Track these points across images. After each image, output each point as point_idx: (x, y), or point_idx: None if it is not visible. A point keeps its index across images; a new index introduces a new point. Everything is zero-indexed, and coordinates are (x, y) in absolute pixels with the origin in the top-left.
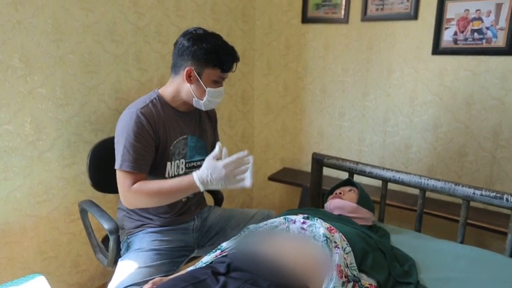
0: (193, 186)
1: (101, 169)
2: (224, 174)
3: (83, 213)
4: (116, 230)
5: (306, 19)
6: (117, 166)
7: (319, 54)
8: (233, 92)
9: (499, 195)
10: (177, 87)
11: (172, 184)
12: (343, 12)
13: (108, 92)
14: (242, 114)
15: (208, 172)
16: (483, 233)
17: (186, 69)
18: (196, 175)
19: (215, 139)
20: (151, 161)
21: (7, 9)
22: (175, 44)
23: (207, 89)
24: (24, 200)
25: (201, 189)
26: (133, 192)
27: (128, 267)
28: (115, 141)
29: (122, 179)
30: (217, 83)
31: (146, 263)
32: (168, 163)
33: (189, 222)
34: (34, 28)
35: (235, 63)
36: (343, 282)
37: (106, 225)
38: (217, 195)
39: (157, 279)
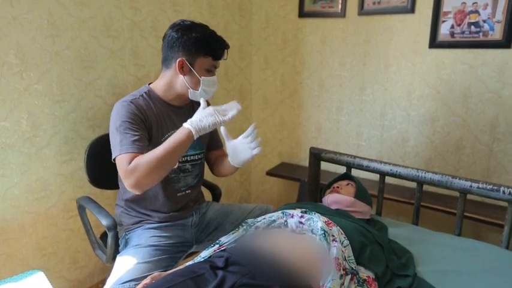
0: (187, 134)
1: (99, 165)
2: (212, 109)
3: (81, 209)
4: (114, 226)
5: (302, 13)
6: (116, 153)
7: (316, 48)
8: (230, 87)
9: (495, 187)
10: (170, 80)
11: (168, 143)
12: (340, 6)
13: (105, 88)
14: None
15: (197, 115)
16: (480, 226)
17: (178, 61)
18: (186, 123)
19: (211, 133)
20: (147, 144)
21: (2, 5)
22: (164, 37)
23: (201, 78)
24: (22, 196)
25: (194, 133)
26: (133, 168)
27: (126, 263)
28: (110, 133)
29: (121, 162)
30: (210, 71)
31: (145, 258)
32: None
33: (188, 218)
34: (29, 24)
35: (226, 50)
36: (341, 275)
37: (104, 222)
38: (215, 191)
39: (155, 274)
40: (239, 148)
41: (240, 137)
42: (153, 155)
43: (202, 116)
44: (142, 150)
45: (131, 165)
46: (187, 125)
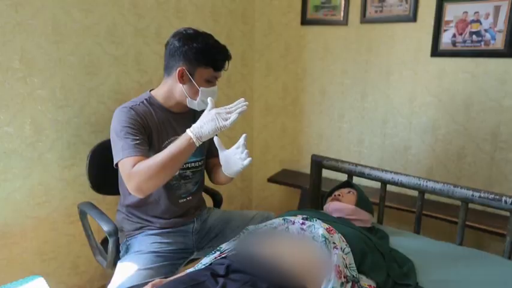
0: (188, 141)
1: (100, 171)
2: (214, 113)
3: (82, 215)
4: (115, 232)
5: (305, 21)
6: (118, 158)
7: (319, 56)
8: (232, 93)
9: (497, 197)
10: (170, 88)
11: (170, 148)
12: (342, 14)
13: (108, 94)
14: (241, 115)
15: (199, 121)
16: (482, 235)
17: (178, 70)
18: (189, 129)
19: (210, 140)
20: (148, 148)
21: (7, 10)
22: (166, 44)
23: (200, 89)
24: (24, 201)
25: (195, 140)
26: (135, 172)
27: (127, 269)
28: (111, 139)
29: (124, 166)
30: (210, 82)
31: (146, 265)
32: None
33: (189, 225)
34: (34, 29)
35: (227, 62)
36: (342, 283)
37: (105, 227)
38: (216, 197)
39: (156, 281)
40: (231, 158)
41: (233, 148)
42: (155, 159)
43: (203, 121)
44: (143, 154)
45: (133, 169)
46: (189, 132)
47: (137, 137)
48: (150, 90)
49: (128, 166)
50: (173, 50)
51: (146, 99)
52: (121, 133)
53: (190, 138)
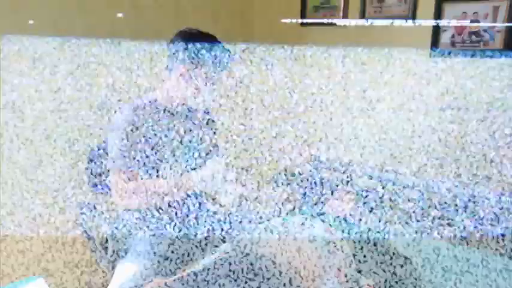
0: (188, 186)
1: (101, 171)
2: (218, 166)
3: (83, 215)
4: (115, 233)
5: (304, 22)
6: (111, 166)
7: (318, 56)
8: (232, 94)
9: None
10: (171, 87)
11: (168, 185)
12: (341, 14)
13: (108, 94)
14: (241, 116)
15: (203, 169)
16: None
17: (179, 69)
18: (193, 173)
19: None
20: (143, 159)
21: (7, 10)
22: (168, 43)
23: (201, 88)
24: (24, 201)
25: (196, 187)
26: (129, 192)
27: (127, 270)
28: (108, 140)
29: (114, 177)
30: (210, 81)
31: (146, 266)
32: (162, 165)
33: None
34: (34, 29)
35: (228, 62)
36: (342, 283)
37: (105, 228)
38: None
39: (158, 280)
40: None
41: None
42: (151, 187)
43: (207, 170)
44: (136, 167)
45: (129, 187)
46: (191, 176)
47: (133, 145)
48: (151, 91)
49: (117, 179)
50: (174, 49)
51: (148, 100)
52: (118, 138)
53: (191, 183)
